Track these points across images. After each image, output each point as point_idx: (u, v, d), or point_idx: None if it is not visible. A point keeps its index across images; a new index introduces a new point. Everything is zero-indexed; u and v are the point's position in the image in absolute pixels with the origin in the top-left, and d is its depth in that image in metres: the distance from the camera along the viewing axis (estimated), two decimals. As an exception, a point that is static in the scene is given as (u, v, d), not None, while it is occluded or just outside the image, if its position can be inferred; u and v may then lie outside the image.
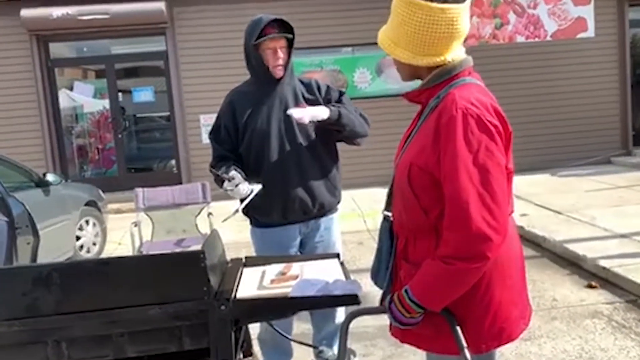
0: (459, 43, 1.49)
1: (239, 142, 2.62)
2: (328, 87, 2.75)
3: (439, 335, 1.50)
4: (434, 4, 1.40)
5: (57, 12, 8.35)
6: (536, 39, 9.46)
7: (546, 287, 4.23)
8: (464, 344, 1.44)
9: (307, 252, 2.71)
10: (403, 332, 1.53)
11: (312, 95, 2.68)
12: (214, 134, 2.68)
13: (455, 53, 1.50)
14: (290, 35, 2.58)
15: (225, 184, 2.41)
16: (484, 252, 1.36)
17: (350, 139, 2.69)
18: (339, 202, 2.80)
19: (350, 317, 1.54)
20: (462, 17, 1.44)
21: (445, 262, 1.39)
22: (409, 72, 1.56)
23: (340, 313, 2.83)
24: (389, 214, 1.63)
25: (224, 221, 2.38)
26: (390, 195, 1.64)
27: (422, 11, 1.41)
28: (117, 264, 1.73)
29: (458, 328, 1.45)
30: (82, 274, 1.66)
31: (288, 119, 2.58)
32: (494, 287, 1.48)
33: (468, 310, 1.48)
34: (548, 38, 9.43)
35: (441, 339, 1.49)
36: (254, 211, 2.63)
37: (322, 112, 2.51)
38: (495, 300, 1.48)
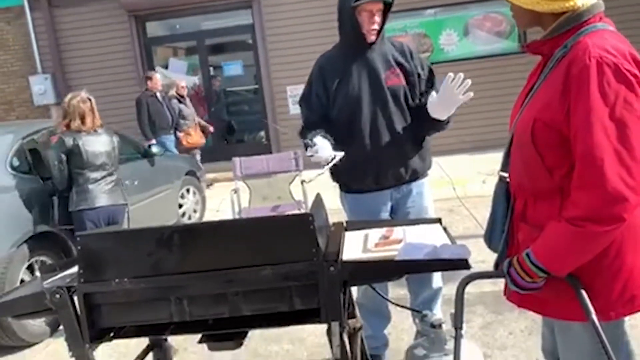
0: None
1: (330, 107, 2.62)
2: (422, 60, 2.70)
3: (560, 300, 1.43)
4: None
5: (151, -9, 8.76)
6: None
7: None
8: (592, 310, 1.36)
9: (400, 217, 2.70)
10: (521, 296, 1.48)
11: (405, 60, 2.63)
12: (304, 100, 2.70)
13: None
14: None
15: (308, 150, 2.44)
16: (619, 213, 1.27)
17: (432, 132, 2.69)
18: (429, 168, 2.77)
19: (465, 282, 1.51)
20: None
21: (574, 224, 1.31)
22: (530, 19, 1.45)
23: (437, 278, 2.81)
24: (506, 174, 1.56)
25: (308, 182, 2.42)
26: (507, 156, 1.57)
27: None
28: (231, 227, 1.81)
29: (584, 293, 1.38)
30: (200, 235, 1.75)
31: (379, 83, 2.57)
32: (626, 252, 1.38)
33: (596, 276, 1.39)
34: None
35: (564, 304, 1.43)
36: (347, 177, 2.65)
37: (456, 103, 2.46)
38: (626, 266, 1.39)
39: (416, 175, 2.69)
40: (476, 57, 8.68)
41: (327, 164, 2.43)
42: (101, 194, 3.90)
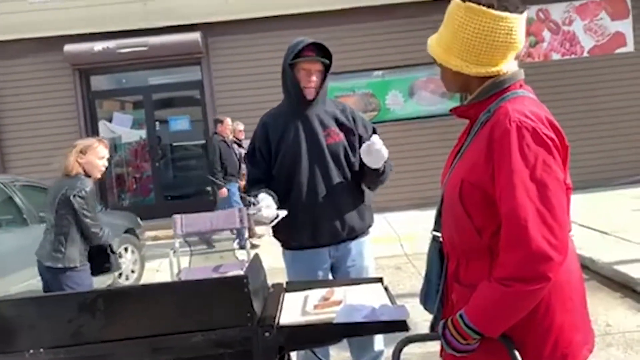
0: (514, 54, 1.45)
1: (272, 163, 2.64)
2: (363, 120, 2.77)
3: None
4: (495, 12, 1.38)
5: (98, 46, 8.67)
6: (573, 56, 9.32)
7: (599, 311, 4.03)
8: None
9: (340, 276, 2.67)
10: (456, 358, 1.45)
11: (346, 118, 2.69)
12: (249, 157, 2.72)
13: (510, 65, 1.45)
14: (326, 61, 2.61)
15: (250, 208, 2.41)
16: (545, 272, 1.29)
17: (372, 185, 2.70)
18: (370, 226, 2.77)
19: (401, 345, 1.46)
20: (520, 28, 1.42)
21: (503, 284, 1.32)
22: (459, 83, 1.51)
23: (379, 340, 2.75)
24: (439, 234, 1.57)
25: (259, 237, 2.36)
26: (439, 215, 1.59)
27: (481, 18, 1.38)
28: (160, 290, 1.72)
29: (517, 353, 1.37)
30: (126, 300, 1.66)
31: (318, 141, 2.61)
32: (554, 311, 1.40)
33: (527, 335, 1.39)
34: (585, 54, 9.29)
35: None
36: (285, 234, 2.63)
37: (382, 157, 2.48)
38: (556, 325, 1.40)
39: (355, 234, 2.68)
40: (421, 116, 9.04)
41: (270, 222, 2.39)
42: (39, 249, 3.54)
